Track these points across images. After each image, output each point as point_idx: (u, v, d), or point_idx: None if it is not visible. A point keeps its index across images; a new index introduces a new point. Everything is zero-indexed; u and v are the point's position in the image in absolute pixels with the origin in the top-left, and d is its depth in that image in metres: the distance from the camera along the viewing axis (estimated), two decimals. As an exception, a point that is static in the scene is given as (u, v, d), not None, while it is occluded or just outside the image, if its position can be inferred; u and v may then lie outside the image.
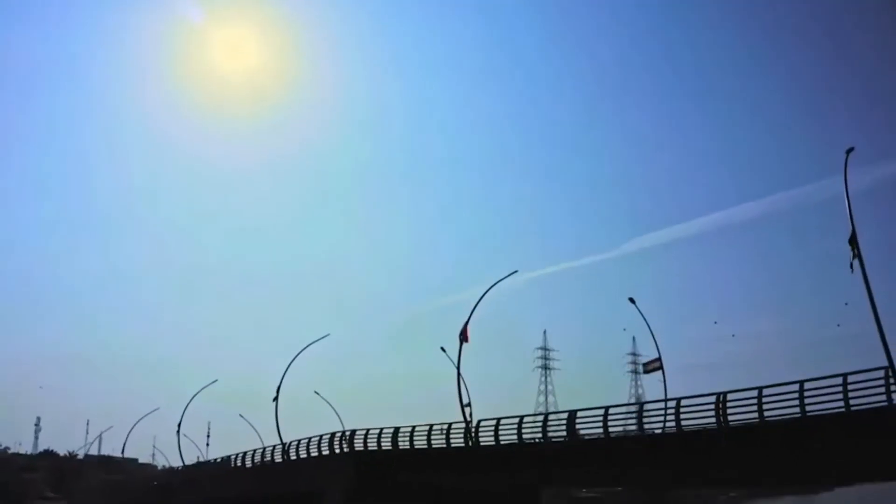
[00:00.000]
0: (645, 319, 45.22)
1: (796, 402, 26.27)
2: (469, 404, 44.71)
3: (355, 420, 73.34)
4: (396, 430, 45.36)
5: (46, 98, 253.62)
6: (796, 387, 26.30)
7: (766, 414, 27.22)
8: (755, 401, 27.55)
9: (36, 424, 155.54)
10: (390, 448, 45.11)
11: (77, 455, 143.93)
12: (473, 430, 41.00)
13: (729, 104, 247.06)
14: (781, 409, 27.11)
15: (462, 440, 41.53)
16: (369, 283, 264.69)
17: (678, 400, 30.60)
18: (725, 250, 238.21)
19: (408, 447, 43.99)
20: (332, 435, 50.16)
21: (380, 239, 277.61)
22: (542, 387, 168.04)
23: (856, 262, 25.86)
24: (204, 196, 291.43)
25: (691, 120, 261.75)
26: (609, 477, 34.02)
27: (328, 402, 70.39)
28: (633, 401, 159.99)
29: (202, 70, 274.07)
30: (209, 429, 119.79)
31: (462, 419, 42.18)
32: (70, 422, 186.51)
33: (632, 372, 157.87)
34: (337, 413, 68.57)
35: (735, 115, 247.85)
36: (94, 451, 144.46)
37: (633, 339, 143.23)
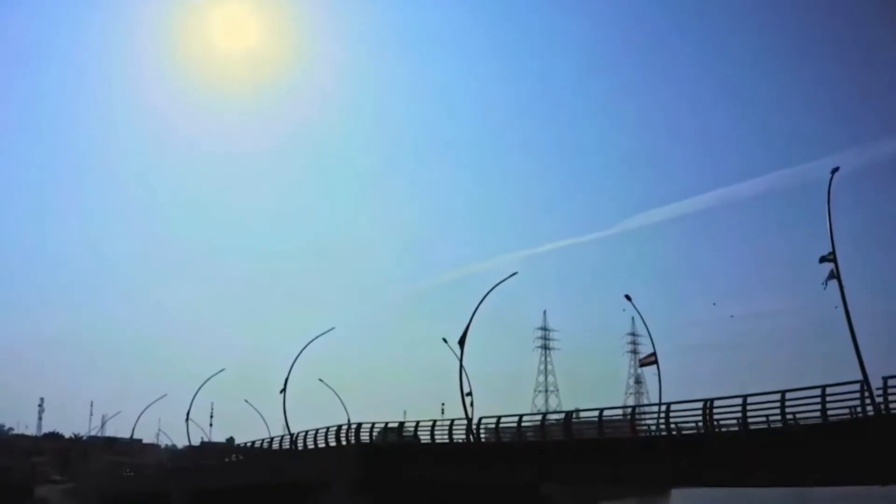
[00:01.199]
0: (641, 316, 47.28)
1: (778, 410, 28.33)
2: (470, 393, 47.15)
3: (358, 402, 75.67)
4: (401, 424, 47.66)
5: (37, 75, 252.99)
6: (778, 396, 28.36)
7: (749, 419, 29.27)
8: (740, 407, 29.58)
9: (39, 405, 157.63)
10: (395, 442, 47.31)
11: (82, 437, 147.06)
12: (475, 426, 43.14)
13: (738, 78, 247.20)
14: (766, 413, 29.21)
15: (464, 435, 43.66)
16: (372, 264, 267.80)
17: (668, 405, 32.84)
18: (731, 227, 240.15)
19: (412, 441, 46.16)
20: (339, 427, 52.53)
21: (382, 219, 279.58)
22: (542, 367, 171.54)
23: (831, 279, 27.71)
24: (206, 178, 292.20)
25: (701, 94, 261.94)
26: (607, 474, 36.34)
27: (332, 389, 72.70)
28: (632, 381, 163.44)
29: (201, 47, 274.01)
30: (212, 409, 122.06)
31: (464, 412, 44.44)
32: (73, 403, 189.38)
33: (631, 352, 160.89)
34: (341, 399, 70.97)
35: (745, 88, 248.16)
36: (96, 432, 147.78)
37: (633, 319, 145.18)
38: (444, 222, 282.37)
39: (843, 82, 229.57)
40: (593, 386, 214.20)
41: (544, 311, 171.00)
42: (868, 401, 25.89)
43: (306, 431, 56.89)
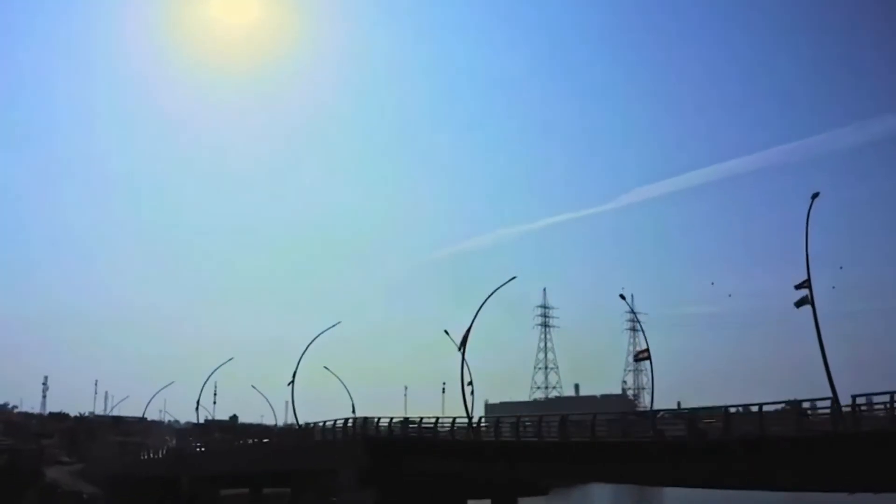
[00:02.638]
0: (637, 316, 49.91)
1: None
2: (471, 383, 50.20)
3: (361, 385, 78.83)
4: (406, 419, 50.58)
5: (22, 52, 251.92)
6: (756, 407, 31.11)
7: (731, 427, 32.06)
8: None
9: (43, 383, 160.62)
10: (400, 435, 50.19)
11: (88, 417, 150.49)
12: (476, 424, 46.08)
13: (756, 51, 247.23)
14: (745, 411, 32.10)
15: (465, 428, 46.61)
16: (377, 242, 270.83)
17: (656, 412, 35.63)
18: (738, 201, 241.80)
19: (416, 436, 49.01)
20: (346, 420, 55.50)
21: (389, 200, 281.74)
22: (542, 344, 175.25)
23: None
24: (208, 167, 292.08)
25: (708, 66, 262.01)
26: (602, 474, 39.18)
27: (336, 376, 75.66)
28: (630, 358, 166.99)
29: (199, 24, 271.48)
30: (216, 389, 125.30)
31: (464, 406, 47.49)
32: (76, 380, 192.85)
33: (630, 329, 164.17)
34: (345, 386, 73.91)
35: (763, 62, 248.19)
36: (100, 410, 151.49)
37: (632, 297, 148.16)
38: (450, 199, 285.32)
39: (870, 55, 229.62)
40: (593, 363, 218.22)
41: (544, 289, 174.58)
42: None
43: (314, 423, 59.86)
